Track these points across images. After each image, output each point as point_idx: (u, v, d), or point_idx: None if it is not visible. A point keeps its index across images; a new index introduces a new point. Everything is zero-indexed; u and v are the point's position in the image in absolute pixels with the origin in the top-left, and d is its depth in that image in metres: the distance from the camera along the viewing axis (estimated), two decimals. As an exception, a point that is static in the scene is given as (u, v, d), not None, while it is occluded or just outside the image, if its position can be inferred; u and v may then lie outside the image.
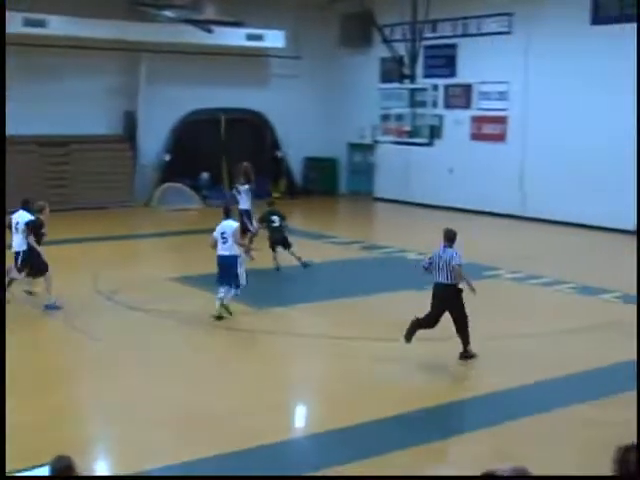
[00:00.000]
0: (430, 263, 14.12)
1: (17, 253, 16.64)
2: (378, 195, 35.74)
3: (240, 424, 11.05)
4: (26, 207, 17.03)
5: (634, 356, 14.31)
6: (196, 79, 34.44)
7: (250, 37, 33.99)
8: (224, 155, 34.86)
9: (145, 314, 16.76)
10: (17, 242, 16.69)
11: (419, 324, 13.96)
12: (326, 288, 19.58)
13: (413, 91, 23.65)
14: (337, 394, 12.56)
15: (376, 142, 26.38)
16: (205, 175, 34.55)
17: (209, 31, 31.05)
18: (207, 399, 12.05)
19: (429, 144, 23.47)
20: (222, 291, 16.31)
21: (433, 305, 13.99)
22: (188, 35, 31.64)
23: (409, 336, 13.96)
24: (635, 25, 26.76)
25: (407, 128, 23.29)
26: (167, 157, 34.01)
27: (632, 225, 26.26)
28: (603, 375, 13.63)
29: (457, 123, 32.80)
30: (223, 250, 16.36)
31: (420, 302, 18.37)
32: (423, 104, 24.13)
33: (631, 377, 13.33)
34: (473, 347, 14.03)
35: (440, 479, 9.67)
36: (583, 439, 10.83)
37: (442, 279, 13.95)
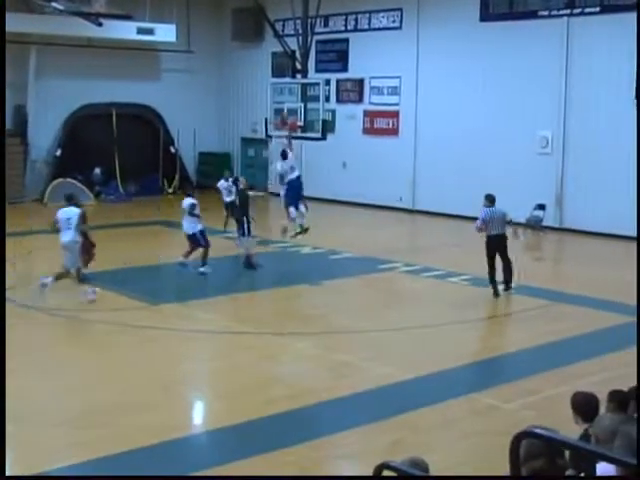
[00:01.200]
0: (484, 223, 18.15)
1: (192, 234, 19.76)
2: (273, 190, 35.71)
3: (135, 422, 10.96)
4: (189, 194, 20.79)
5: (527, 344, 14.69)
6: (87, 73, 33.98)
7: (141, 31, 33.63)
8: (116, 150, 34.53)
9: (39, 312, 16.50)
10: (187, 226, 19.87)
11: (492, 272, 18.07)
12: (221, 283, 19.57)
13: (305, 86, 23.71)
14: (231, 390, 12.54)
15: (269, 137, 26.34)
16: (98, 170, 34.13)
17: (98, 24, 30.65)
18: (102, 397, 11.92)
19: (322, 139, 23.56)
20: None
21: (491, 250, 18.12)
22: (78, 28, 31.13)
23: (496, 287, 18.07)
24: (522, 22, 27.41)
25: (300, 123, 23.31)
26: (58, 152, 33.49)
27: (522, 218, 26.82)
28: (499, 364, 13.94)
29: (350, 118, 33.02)
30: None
31: (314, 296, 18.63)
32: (315, 99, 24.22)
33: (524, 365, 13.69)
34: (364, 339, 14.17)
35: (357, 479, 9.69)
36: (480, 427, 11.04)
37: (499, 230, 18.10)
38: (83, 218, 17.44)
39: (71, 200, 17.97)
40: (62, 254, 17.47)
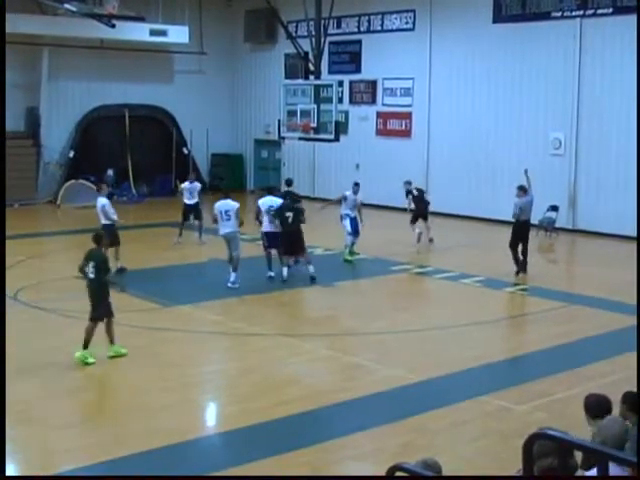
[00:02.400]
0: (522, 211, 20.14)
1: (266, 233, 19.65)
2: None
3: (148, 424, 10.99)
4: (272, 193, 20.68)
5: (539, 346, 14.66)
6: (100, 74, 34.10)
7: (153, 32, 33.65)
8: (129, 152, 34.59)
9: (51, 313, 16.53)
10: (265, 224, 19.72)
11: (515, 254, 20.18)
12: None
13: (318, 87, 23.69)
14: (243, 391, 12.54)
15: (282, 138, 26.33)
16: (110, 172, 34.20)
17: (111, 26, 30.71)
18: (114, 399, 11.95)
19: (335, 140, 23.53)
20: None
21: (518, 236, 20.26)
22: (90, 29, 31.15)
23: (519, 266, 20.24)
24: (535, 23, 27.35)
25: (313, 124, 23.29)
26: (71, 154, 33.58)
27: (535, 219, 26.73)
28: (511, 365, 13.90)
29: (362, 119, 33.00)
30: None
31: (326, 298, 18.61)
32: (328, 100, 24.20)
33: (536, 367, 13.66)
34: (375, 341, 14.16)
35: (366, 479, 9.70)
36: (490, 429, 11.03)
37: (528, 216, 20.43)
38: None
39: (227, 195, 19.74)
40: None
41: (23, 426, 11.02)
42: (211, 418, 12.23)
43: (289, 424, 11.12)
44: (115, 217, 20.09)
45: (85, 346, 13.30)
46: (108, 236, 19.37)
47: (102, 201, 20.18)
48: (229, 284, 18.73)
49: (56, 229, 27.72)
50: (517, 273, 20.20)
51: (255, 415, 11.27)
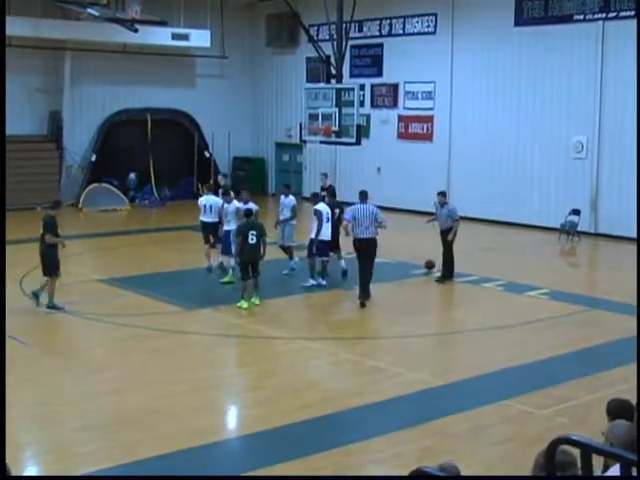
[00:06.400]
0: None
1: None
2: (307, 195, 35.74)
3: (169, 426, 11.02)
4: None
5: (560, 351, 14.61)
6: (122, 78, 34.24)
7: (175, 36, 33.79)
8: (151, 155, 34.70)
9: (72, 316, 16.61)
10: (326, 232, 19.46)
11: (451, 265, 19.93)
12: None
13: (340, 91, 23.69)
14: (265, 395, 12.57)
15: (304, 142, 26.36)
16: (133, 175, 34.34)
17: (134, 30, 30.84)
18: (135, 401, 11.98)
19: (356, 144, 23.53)
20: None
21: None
22: (113, 34, 31.32)
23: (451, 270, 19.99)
24: (557, 26, 27.27)
25: (334, 128, 23.29)
26: (94, 157, 33.70)
27: (556, 223, 26.66)
28: (532, 370, 13.85)
29: (384, 123, 32.99)
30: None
31: (347, 301, 18.61)
32: (350, 103, 24.19)
33: (557, 371, 13.61)
34: (396, 344, 14.14)
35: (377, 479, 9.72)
36: (510, 434, 11.00)
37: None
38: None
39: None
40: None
41: (45, 428, 11.08)
42: (233, 421, 12.25)
43: (311, 427, 11.13)
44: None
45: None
46: (214, 234, 20.54)
47: (218, 201, 20.59)
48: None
49: (78, 232, 27.81)
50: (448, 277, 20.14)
51: (277, 418, 11.30)
